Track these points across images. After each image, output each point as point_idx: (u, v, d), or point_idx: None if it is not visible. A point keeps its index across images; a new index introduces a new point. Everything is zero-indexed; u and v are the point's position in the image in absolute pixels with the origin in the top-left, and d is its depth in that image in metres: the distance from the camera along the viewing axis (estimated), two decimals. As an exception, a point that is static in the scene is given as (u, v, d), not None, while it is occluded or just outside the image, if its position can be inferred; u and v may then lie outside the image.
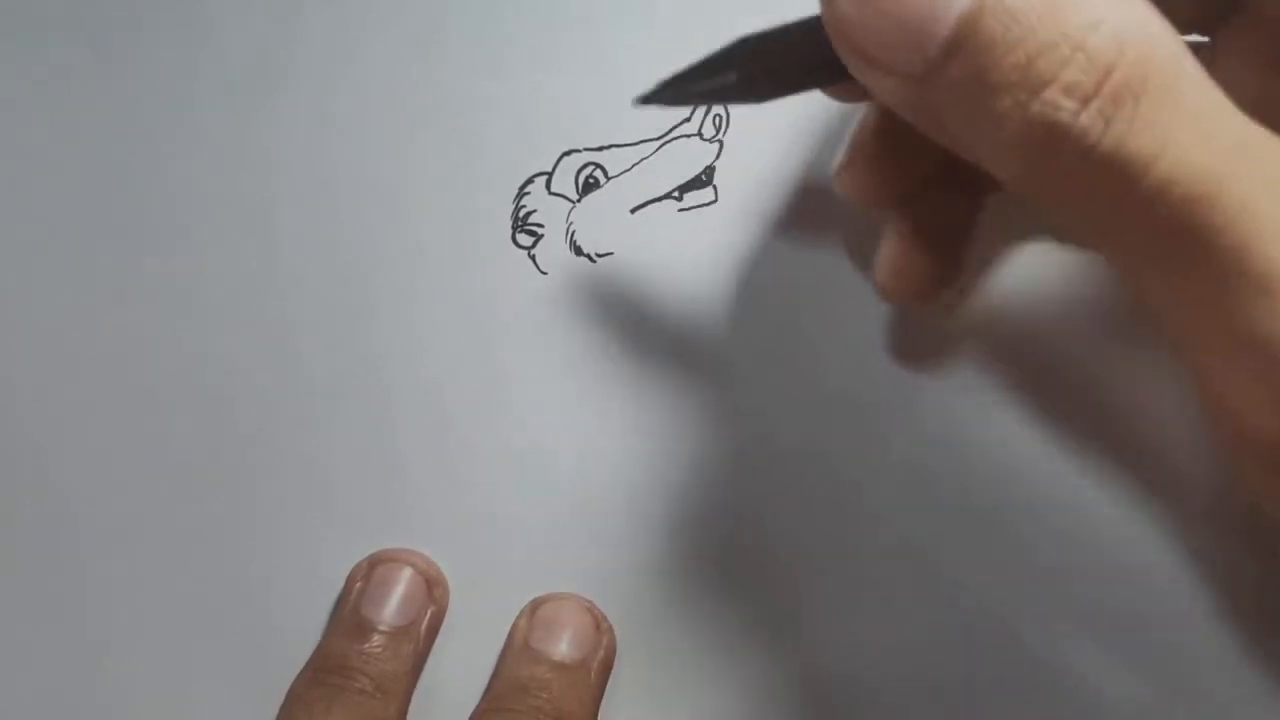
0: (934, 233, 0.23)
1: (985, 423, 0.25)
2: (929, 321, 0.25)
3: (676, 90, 0.21)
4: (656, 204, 0.26)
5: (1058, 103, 0.16)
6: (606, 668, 0.24)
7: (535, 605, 0.25)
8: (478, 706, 0.24)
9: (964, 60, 0.17)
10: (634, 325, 0.26)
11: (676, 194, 0.26)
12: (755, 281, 0.26)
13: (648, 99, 0.21)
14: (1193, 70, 0.16)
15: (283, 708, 0.24)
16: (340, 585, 0.25)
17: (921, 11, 0.17)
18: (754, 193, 0.26)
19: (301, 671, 0.24)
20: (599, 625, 0.25)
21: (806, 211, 0.26)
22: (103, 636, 0.25)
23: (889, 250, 0.23)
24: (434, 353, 0.26)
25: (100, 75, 0.27)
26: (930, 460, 0.25)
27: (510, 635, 0.25)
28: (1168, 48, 0.16)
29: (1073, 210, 0.17)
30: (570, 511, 0.25)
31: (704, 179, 0.26)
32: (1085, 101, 0.16)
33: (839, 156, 0.23)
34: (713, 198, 0.26)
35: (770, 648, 0.25)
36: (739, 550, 0.25)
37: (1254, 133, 0.16)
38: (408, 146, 0.26)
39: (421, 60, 0.27)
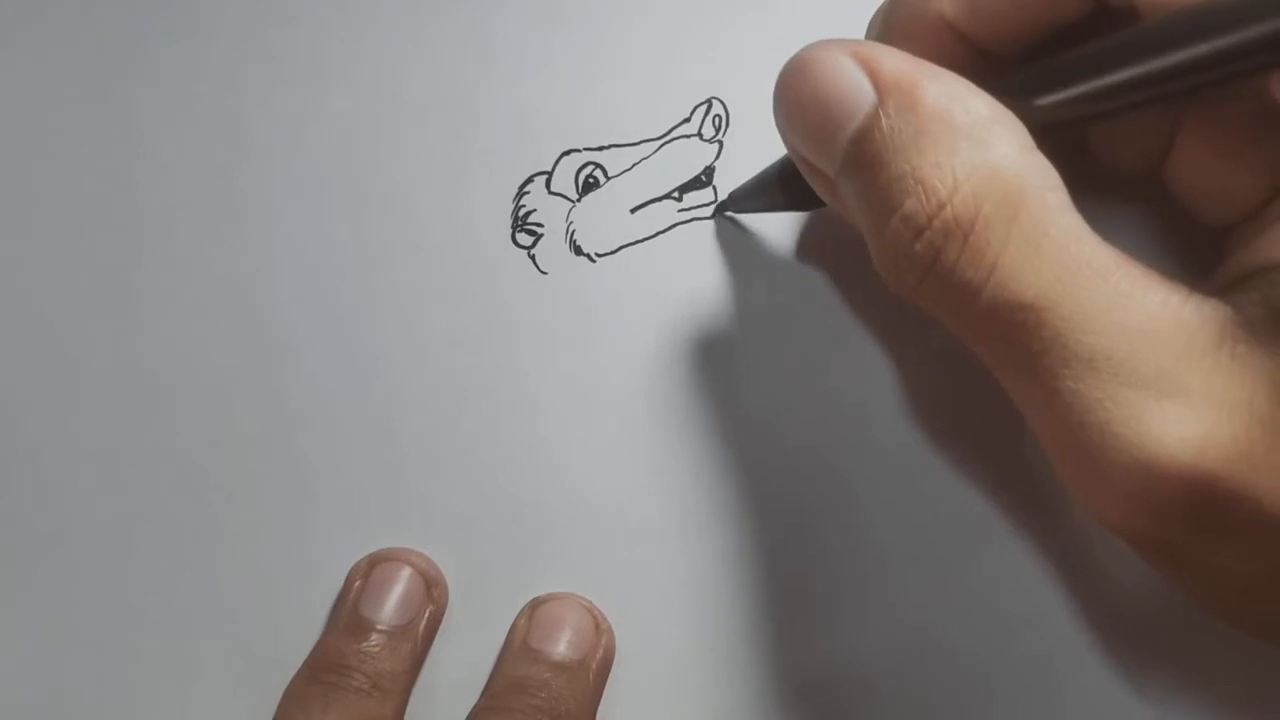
0: None
1: (986, 423, 0.25)
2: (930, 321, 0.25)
3: (738, 206, 0.25)
4: (656, 204, 0.26)
5: (898, 230, 0.18)
6: (605, 668, 0.24)
7: (535, 605, 0.25)
8: (476, 705, 0.24)
9: (853, 171, 0.18)
10: (634, 325, 0.26)
11: (676, 194, 0.26)
12: (755, 281, 0.26)
13: (720, 208, 0.26)
14: (1041, 200, 0.17)
15: (280, 706, 0.24)
16: (340, 585, 0.25)
17: (831, 117, 0.18)
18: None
19: (299, 670, 0.24)
20: (599, 625, 0.25)
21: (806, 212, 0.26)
22: (102, 636, 0.25)
23: None
24: (433, 353, 0.26)
25: (95, 72, 0.27)
26: (932, 461, 0.25)
27: (509, 635, 0.25)
28: (1011, 184, 0.17)
29: (935, 317, 0.19)
30: (570, 511, 0.25)
31: (704, 179, 0.26)
32: (919, 232, 0.17)
33: None
34: (713, 198, 0.26)
35: (770, 647, 0.25)
36: (738, 550, 0.25)
37: (1101, 256, 0.17)
38: (407, 146, 0.26)
39: (421, 59, 0.27)
